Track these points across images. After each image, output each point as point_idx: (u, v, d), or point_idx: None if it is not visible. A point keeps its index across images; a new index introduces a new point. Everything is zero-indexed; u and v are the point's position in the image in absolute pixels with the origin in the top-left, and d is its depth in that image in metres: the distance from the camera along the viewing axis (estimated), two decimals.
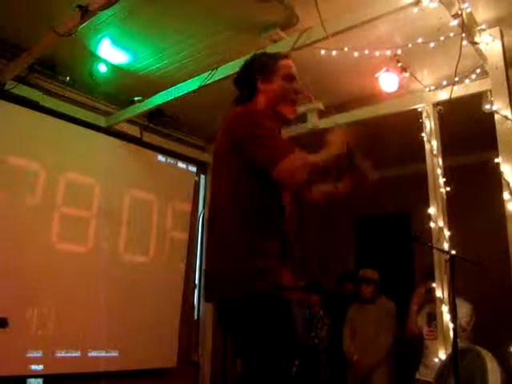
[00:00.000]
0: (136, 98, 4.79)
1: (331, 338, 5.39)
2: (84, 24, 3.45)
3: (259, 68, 2.46)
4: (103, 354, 4.68)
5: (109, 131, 5.08)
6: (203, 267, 5.73)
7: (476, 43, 3.50)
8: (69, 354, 4.45)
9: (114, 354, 4.77)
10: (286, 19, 3.69)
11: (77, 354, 4.50)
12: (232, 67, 3.96)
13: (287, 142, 2.26)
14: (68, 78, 4.64)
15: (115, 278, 4.84)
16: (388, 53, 3.95)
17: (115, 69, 4.48)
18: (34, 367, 4.20)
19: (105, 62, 4.38)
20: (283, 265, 2.14)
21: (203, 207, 6.13)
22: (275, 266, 2.09)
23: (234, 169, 2.18)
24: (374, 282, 5.29)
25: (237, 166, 2.18)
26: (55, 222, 4.54)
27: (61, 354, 4.40)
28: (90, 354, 4.60)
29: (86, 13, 3.29)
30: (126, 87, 4.81)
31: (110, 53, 4.25)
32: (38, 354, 4.24)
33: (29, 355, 4.19)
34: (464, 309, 4.20)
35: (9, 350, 4.02)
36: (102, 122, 5.01)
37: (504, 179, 3.40)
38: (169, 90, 4.47)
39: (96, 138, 4.95)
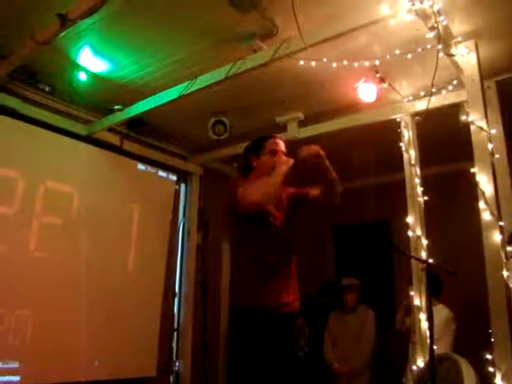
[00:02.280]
0: (116, 107, 4.78)
1: (311, 346, 5.41)
2: (64, 32, 3.44)
3: (252, 147, 3.22)
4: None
5: (89, 139, 5.04)
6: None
7: (452, 55, 3.56)
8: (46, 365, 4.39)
9: (93, 363, 4.72)
10: (266, 29, 3.72)
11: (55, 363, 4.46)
12: (211, 77, 3.99)
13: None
14: (48, 86, 4.60)
15: (94, 287, 4.80)
16: (367, 64, 3.99)
17: (95, 77, 4.47)
18: (10, 378, 4.14)
19: (85, 70, 4.37)
20: None
21: (183, 216, 6.13)
22: None
23: None
24: (357, 290, 5.34)
25: None
26: (33, 230, 4.49)
27: (38, 364, 4.32)
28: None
29: (65, 21, 3.28)
30: (106, 96, 4.80)
31: (91, 61, 4.24)
32: (15, 364, 4.19)
33: (5, 366, 4.13)
34: (439, 315, 4.27)
35: None
36: (82, 130, 4.99)
37: (480, 189, 3.46)
38: (149, 98, 4.47)
39: (76, 147, 4.93)
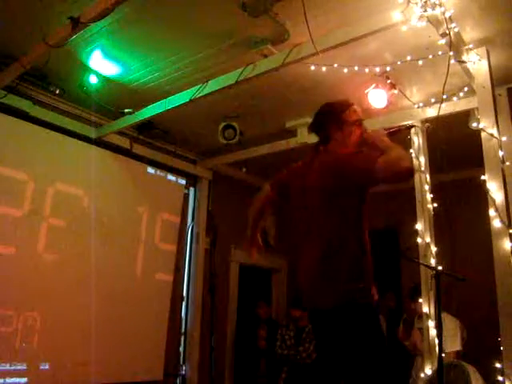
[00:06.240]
0: (126, 110, 4.79)
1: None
2: (75, 35, 3.46)
3: (332, 119, 2.73)
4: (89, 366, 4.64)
5: (99, 142, 5.07)
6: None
7: (463, 62, 3.55)
8: (54, 367, 4.40)
9: (100, 366, 4.73)
10: (277, 35, 3.72)
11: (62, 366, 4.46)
12: (222, 81, 4.00)
13: None
14: (58, 89, 4.62)
15: (102, 290, 4.81)
16: (377, 70, 3.99)
17: (106, 80, 4.49)
18: (17, 380, 4.15)
19: (96, 73, 4.38)
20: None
21: (192, 220, 6.13)
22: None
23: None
24: None
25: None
26: (42, 232, 4.52)
27: (45, 366, 4.35)
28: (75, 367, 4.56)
29: (77, 24, 3.29)
30: (116, 99, 4.81)
31: (101, 64, 4.26)
32: (22, 366, 4.20)
33: (13, 368, 4.15)
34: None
35: None
36: (92, 133, 5.01)
37: (490, 196, 3.44)
38: (159, 102, 4.49)
39: (86, 149, 4.94)
